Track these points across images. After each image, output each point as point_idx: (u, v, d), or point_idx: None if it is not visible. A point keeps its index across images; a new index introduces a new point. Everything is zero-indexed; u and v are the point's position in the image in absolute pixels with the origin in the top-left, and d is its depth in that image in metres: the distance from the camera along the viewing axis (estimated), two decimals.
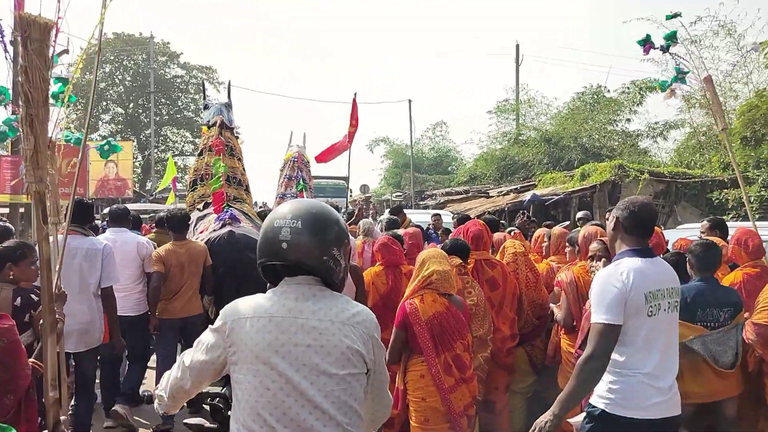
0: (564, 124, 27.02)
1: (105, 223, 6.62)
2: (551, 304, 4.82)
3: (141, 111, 41.95)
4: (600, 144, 25.53)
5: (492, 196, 19.64)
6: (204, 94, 8.58)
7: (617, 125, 27.52)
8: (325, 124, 60.62)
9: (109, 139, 5.75)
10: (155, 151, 38.54)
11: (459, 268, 4.52)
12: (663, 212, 16.56)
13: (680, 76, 6.23)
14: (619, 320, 2.73)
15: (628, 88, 27.07)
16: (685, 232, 6.97)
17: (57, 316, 3.02)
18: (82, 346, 4.67)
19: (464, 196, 21.56)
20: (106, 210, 6.43)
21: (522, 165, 26.62)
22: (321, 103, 71.55)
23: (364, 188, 31.88)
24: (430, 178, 31.92)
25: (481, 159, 29.44)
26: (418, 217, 14.15)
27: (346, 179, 34.34)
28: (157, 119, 39.41)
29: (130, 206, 21.68)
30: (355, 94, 10.98)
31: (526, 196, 17.45)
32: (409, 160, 36.90)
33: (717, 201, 15.71)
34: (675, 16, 6.30)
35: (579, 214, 11.50)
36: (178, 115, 42.54)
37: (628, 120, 27.66)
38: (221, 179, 6.43)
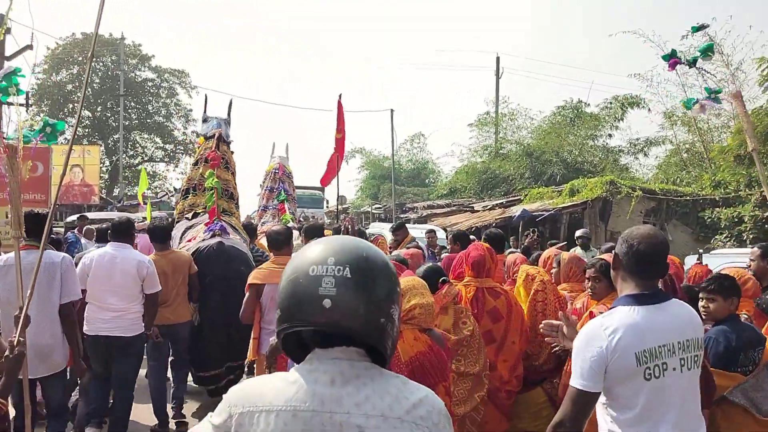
0: (545, 138, 26.71)
1: (70, 234, 6.60)
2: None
3: (109, 115, 40.46)
4: (582, 159, 25.22)
5: (477, 211, 19.03)
6: (205, 107, 8.51)
7: (598, 140, 27.34)
8: (304, 131, 59.42)
9: (46, 117, 4.92)
10: (123, 156, 37.18)
11: (448, 295, 3.95)
12: None
13: (713, 95, 5.84)
14: (596, 387, 2.29)
15: (611, 103, 26.89)
16: (719, 258, 6.33)
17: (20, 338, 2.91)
18: (43, 371, 4.35)
19: (448, 209, 20.91)
20: (73, 218, 7.22)
21: (503, 179, 26.20)
22: (302, 110, 69.98)
23: (341, 199, 31.09)
24: (409, 190, 31.29)
25: (462, 172, 28.91)
26: (377, 231, 13.46)
27: (322, 189, 33.71)
28: (126, 123, 38.00)
29: (96, 214, 20.95)
30: (340, 96, 10.14)
31: (515, 211, 16.89)
32: (387, 172, 36.36)
33: (709, 220, 15.34)
34: (701, 28, 5.89)
35: (578, 233, 10.94)
36: (149, 120, 41.17)
37: (610, 135, 27.51)
38: (214, 196, 6.72)
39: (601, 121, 27.41)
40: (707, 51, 5.43)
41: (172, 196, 32.69)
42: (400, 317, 1.50)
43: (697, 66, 5.69)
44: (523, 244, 8.21)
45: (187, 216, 7.34)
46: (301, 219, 21.06)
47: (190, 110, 41.78)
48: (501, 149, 29.22)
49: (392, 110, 26.71)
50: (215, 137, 7.66)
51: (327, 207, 34.09)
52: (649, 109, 26.46)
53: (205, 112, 8.64)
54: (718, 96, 5.76)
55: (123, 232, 5.38)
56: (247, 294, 4.72)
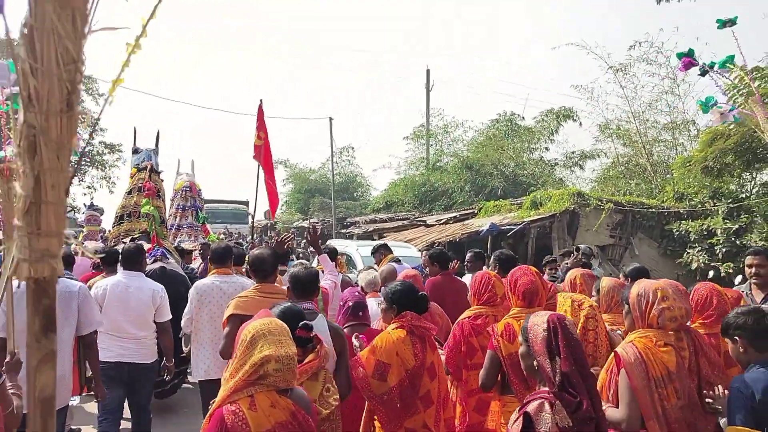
0: (482, 150, 26.16)
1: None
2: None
3: None
4: (520, 172, 24.78)
5: (432, 225, 17.86)
6: (135, 139, 9.33)
7: (534, 153, 27.10)
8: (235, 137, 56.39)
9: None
10: None
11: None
12: (619, 245, 15.56)
13: (736, 106, 5.40)
14: None
15: (546, 116, 26.73)
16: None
17: (11, 390, 2.80)
18: None
19: (400, 224, 19.62)
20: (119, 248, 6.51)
21: (443, 192, 25.35)
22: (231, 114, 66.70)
23: (268, 214, 29.20)
24: (341, 204, 29.83)
25: (399, 185, 27.81)
26: (344, 249, 12.09)
27: (246, 203, 31.61)
28: None
29: None
30: (261, 102, 9.55)
31: (474, 225, 15.85)
32: (314, 186, 34.82)
33: (677, 233, 14.88)
34: (728, 23, 5.37)
35: (580, 248, 9.92)
36: None
37: (546, 149, 27.34)
38: (153, 225, 7.37)
39: (536, 134, 27.26)
40: (727, 62, 5.24)
41: (80, 212, 29.78)
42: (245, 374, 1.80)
43: (710, 74, 5.28)
44: (567, 264, 7.03)
45: (123, 241, 7.95)
46: (223, 235, 19.24)
47: (98, 119, 38.49)
48: (438, 162, 28.44)
49: (331, 118, 25.15)
50: (147, 169, 8.62)
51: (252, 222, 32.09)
52: (580, 123, 26.59)
53: (134, 143, 9.31)
54: (736, 106, 5.37)
55: (134, 260, 5.38)
56: (228, 327, 4.17)
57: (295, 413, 2.45)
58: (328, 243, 14.39)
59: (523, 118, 28.64)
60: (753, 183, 16.80)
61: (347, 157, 35.93)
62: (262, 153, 10.04)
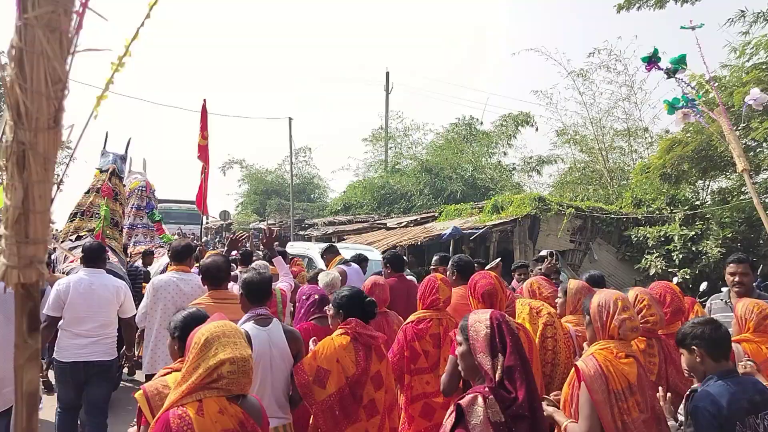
0: (441, 154, 26.14)
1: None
2: (547, 407, 3.20)
3: None
4: (478, 176, 24.83)
5: (392, 228, 17.65)
6: (105, 142, 9.55)
7: (493, 157, 27.24)
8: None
9: None
10: None
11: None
12: (579, 250, 15.66)
13: (693, 104, 5.57)
14: None
15: (506, 120, 26.90)
16: None
17: None
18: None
19: (360, 227, 19.33)
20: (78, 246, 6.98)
21: (402, 195, 25.20)
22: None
23: (224, 214, 28.58)
24: (299, 205, 29.35)
25: (357, 187, 27.53)
26: (302, 251, 11.79)
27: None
28: None
29: None
30: (205, 101, 9.11)
31: (434, 228, 15.70)
32: (270, 187, 34.24)
33: (636, 239, 15.04)
34: (693, 28, 5.51)
35: (543, 252, 9.87)
36: None
37: (504, 153, 27.51)
38: (101, 223, 7.77)
39: (494, 138, 27.43)
40: (680, 62, 5.47)
41: None
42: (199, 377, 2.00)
43: (676, 77, 5.51)
44: (540, 270, 6.88)
45: (71, 238, 8.18)
46: (177, 236, 18.68)
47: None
48: (397, 164, 28.30)
49: (290, 118, 24.65)
50: (109, 171, 8.84)
51: (206, 222, 31.34)
52: (537, 128, 26.87)
53: (104, 146, 9.55)
54: (697, 106, 5.54)
55: (96, 258, 5.41)
56: None
57: (244, 422, 2.37)
58: (290, 245, 14.02)
59: (482, 122, 28.82)
60: (707, 190, 17.17)
61: (304, 158, 35.48)
62: (204, 153, 9.50)
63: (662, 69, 5.55)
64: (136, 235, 10.52)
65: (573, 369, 3.06)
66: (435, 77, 74.11)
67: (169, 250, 5.90)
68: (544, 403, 3.21)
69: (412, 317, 4.39)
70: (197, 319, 2.96)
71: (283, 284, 5.56)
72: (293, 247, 13.21)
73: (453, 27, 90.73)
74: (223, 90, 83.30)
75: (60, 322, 5.10)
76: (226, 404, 2.36)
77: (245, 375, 2.39)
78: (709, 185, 17.10)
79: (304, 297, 4.60)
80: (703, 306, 8.81)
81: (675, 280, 10.27)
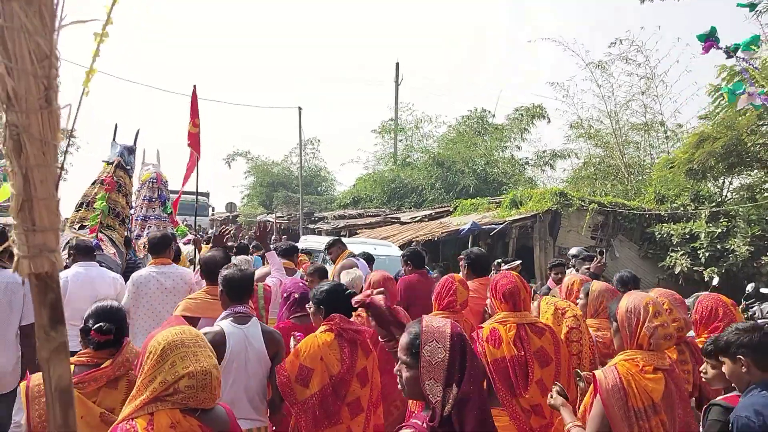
0: (453, 147, 25.62)
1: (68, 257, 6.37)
2: (556, 398, 3.08)
3: None
4: (493, 170, 24.32)
5: (406, 222, 17.20)
6: (115, 134, 9.53)
7: (506, 151, 26.73)
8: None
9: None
10: None
11: (123, 364, 2.95)
12: (600, 247, 15.18)
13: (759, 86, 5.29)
14: None
15: (521, 114, 26.39)
16: None
17: None
18: None
19: (373, 221, 18.88)
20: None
21: (412, 189, 24.73)
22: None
23: (230, 206, 28.15)
24: (307, 198, 28.90)
25: (367, 180, 27.07)
26: (316, 245, 11.34)
27: (207, 195, 30.44)
28: None
29: None
30: (195, 87, 8.76)
31: (451, 223, 15.24)
32: (277, 179, 33.80)
33: (659, 236, 14.58)
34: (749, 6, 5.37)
35: (573, 251, 9.43)
36: None
37: (518, 147, 27.01)
38: (98, 218, 7.76)
39: (507, 131, 26.92)
40: (752, 43, 5.09)
41: None
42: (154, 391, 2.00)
43: (737, 56, 5.15)
44: (588, 269, 6.42)
45: (74, 227, 8.30)
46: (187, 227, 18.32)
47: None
48: (407, 158, 27.82)
49: (300, 108, 24.12)
50: (114, 164, 8.80)
51: (212, 214, 30.93)
52: (549, 120, 26.36)
53: (114, 138, 9.54)
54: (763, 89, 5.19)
55: (88, 252, 5.55)
56: None
57: None
58: (303, 240, 13.57)
59: (494, 115, 28.31)
60: (729, 186, 16.70)
61: (312, 150, 34.98)
62: (195, 141, 8.98)
63: (721, 48, 5.23)
64: (149, 227, 10.16)
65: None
66: (447, 70, 73.20)
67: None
68: (554, 390, 3.08)
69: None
70: (108, 312, 2.91)
71: (270, 280, 5.46)
72: (306, 242, 12.77)
73: (460, 22, 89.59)
74: (231, 86, 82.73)
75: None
76: (180, 417, 2.13)
77: (205, 390, 2.17)
78: (731, 182, 16.64)
79: (285, 295, 4.47)
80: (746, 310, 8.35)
81: (714, 281, 9.80)
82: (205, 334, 3.32)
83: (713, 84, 14.40)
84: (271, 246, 6.37)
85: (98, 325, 2.81)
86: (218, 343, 3.22)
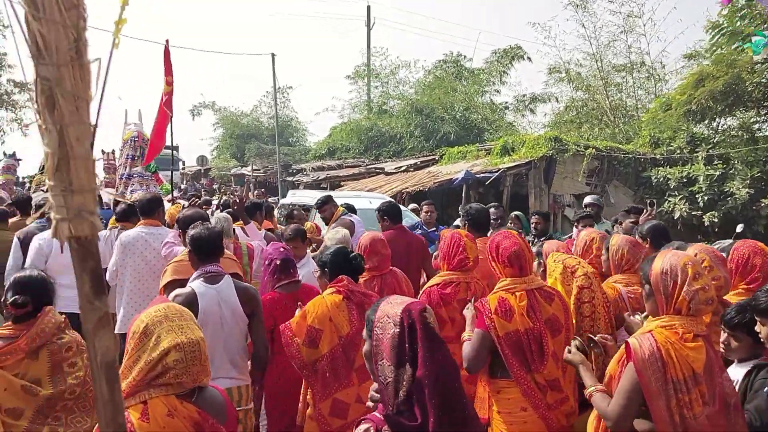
0: (431, 93, 24.74)
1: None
2: (573, 355, 2.91)
3: None
4: (474, 116, 23.59)
5: (391, 173, 16.49)
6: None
7: (484, 96, 25.97)
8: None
9: None
10: None
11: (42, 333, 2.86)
12: (595, 193, 14.73)
13: None
14: None
15: (501, 57, 25.54)
16: None
17: None
18: None
19: (354, 172, 18.10)
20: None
21: (390, 137, 23.91)
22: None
23: (201, 159, 27.05)
24: (281, 149, 27.92)
25: (343, 129, 26.12)
26: (308, 201, 10.51)
27: (176, 148, 29.25)
28: None
29: None
30: (167, 42, 8.31)
31: (458, 173, 14.51)
32: (247, 131, 32.64)
33: (656, 180, 14.16)
34: None
35: (588, 200, 8.86)
36: None
37: (497, 91, 26.27)
38: None
39: (485, 75, 26.11)
40: None
41: None
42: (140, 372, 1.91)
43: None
44: (634, 223, 5.79)
45: (42, 188, 8.81)
46: None
47: (5, 54, 33.93)
48: (384, 105, 26.90)
49: (273, 54, 22.86)
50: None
51: (183, 168, 29.74)
52: (530, 59, 25.57)
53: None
54: None
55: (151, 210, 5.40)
56: (166, 294, 3.88)
57: (200, 423, 2.04)
58: (290, 194, 12.76)
59: (471, 59, 27.42)
60: (721, 128, 16.31)
61: (283, 99, 33.67)
62: (168, 100, 8.71)
63: None
64: (133, 185, 10.47)
65: (623, 345, 2.56)
66: (421, 12, 71.02)
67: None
68: (572, 345, 2.90)
69: (436, 279, 4.03)
70: (26, 282, 2.89)
71: (255, 242, 5.53)
72: (295, 196, 11.97)
73: None
74: (194, 32, 79.33)
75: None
76: (177, 404, 2.02)
77: (196, 362, 2.05)
78: (726, 121, 16.24)
79: (266, 262, 4.25)
80: None
81: (738, 227, 9.41)
82: (175, 296, 3.26)
83: (711, 21, 13.83)
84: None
85: (13, 298, 2.78)
86: (189, 303, 3.13)
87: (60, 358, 2.82)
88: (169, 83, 8.55)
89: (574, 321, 3.54)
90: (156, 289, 4.78)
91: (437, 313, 3.69)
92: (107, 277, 5.11)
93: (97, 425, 2.54)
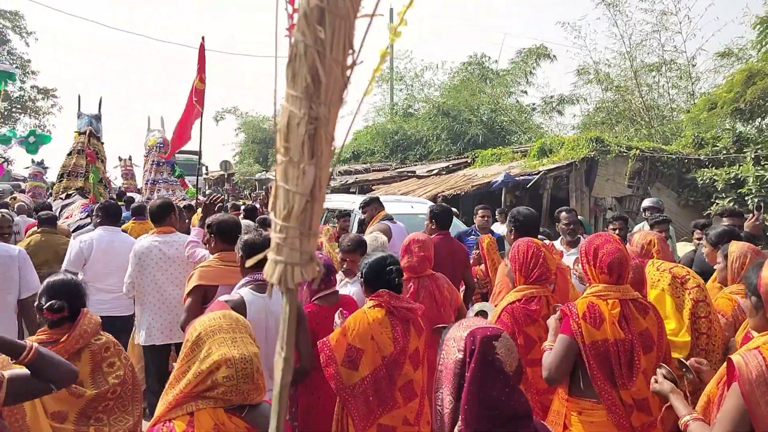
0: (456, 96, 24.28)
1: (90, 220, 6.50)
2: (663, 383, 2.57)
3: None
4: (501, 118, 23.11)
5: (422, 176, 16.05)
6: (79, 104, 10.06)
7: (511, 97, 25.47)
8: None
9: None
10: None
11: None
12: (637, 195, 14.20)
13: None
14: None
15: (526, 56, 25.06)
16: None
17: None
18: None
19: (384, 176, 17.70)
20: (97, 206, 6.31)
21: (416, 140, 23.48)
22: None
23: (225, 165, 26.83)
24: None
25: (367, 133, 25.75)
26: (347, 206, 10.01)
27: (198, 153, 28.97)
28: None
29: None
30: (203, 39, 8.19)
31: (497, 176, 14.06)
32: (269, 135, 32.35)
33: (701, 182, 13.60)
34: None
35: (646, 203, 8.40)
36: None
37: (525, 92, 25.77)
38: (93, 187, 8.78)
39: (511, 76, 25.64)
40: None
41: (12, 164, 26.99)
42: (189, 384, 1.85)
43: None
44: (731, 226, 5.31)
45: (61, 197, 9.13)
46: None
47: (28, 61, 34.03)
48: (409, 108, 26.49)
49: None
50: (86, 133, 9.65)
51: (206, 173, 29.54)
52: (555, 57, 25.04)
53: (79, 108, 10.14)
54: None
55: (113, 216, 5.62)
56: (190, 299, 3.86)
57: None
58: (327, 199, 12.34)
59: (497, 61, 26.97)
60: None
61: None
62: (201, 98, 8.53)
63: None
64: (158, 191, 10.60)
65: (725, 363, 2.29)
66: (450, 14, 70.48)
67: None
68: (659, 373, 2.59)
69: (515, 294, 3.64)
70: (59, 287, 2.84)
71: None
72: (330, 201, 11.55)
73: None
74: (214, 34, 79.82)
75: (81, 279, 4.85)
76: (225, 417, 1.93)
77: (248, 380, 1.95)
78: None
79: None
80: None
81: None
82: (225, 302, 3.15)
83: (759, 16, 13.28)
84: None
85: (49, 303, 2.76)
86: (237, 312, 2.90)
87: (100, 359, 2.82)
88: (203, 80, 8.32)
89: (689, 338, 3.27)
90: (178, 296, 4.68)
91: (525, 333, 3.51)
92: (124, 290, 5.04)
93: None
